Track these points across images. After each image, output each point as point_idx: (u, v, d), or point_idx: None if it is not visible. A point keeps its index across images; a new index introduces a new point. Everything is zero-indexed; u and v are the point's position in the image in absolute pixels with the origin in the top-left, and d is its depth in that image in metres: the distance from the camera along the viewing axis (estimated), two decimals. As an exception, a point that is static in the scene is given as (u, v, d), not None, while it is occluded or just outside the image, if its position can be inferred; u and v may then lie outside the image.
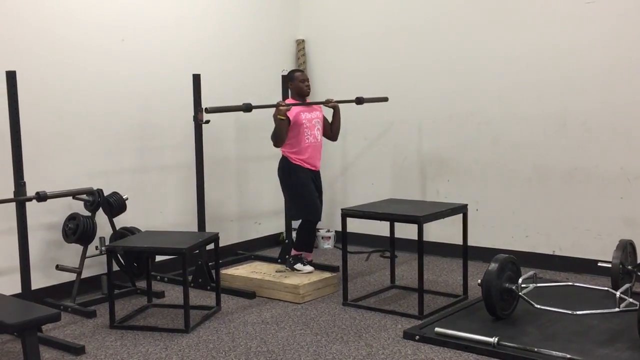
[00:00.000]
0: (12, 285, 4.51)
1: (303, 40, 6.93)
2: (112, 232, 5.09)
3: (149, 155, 5.63)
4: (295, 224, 5.67)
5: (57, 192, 4.68)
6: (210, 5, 6.11)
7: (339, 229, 5.05)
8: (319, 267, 5.53)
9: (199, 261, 5.30)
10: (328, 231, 6.75)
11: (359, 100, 5.58)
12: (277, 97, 5.68)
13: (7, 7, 4.72)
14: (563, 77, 5.49)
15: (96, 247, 5.00)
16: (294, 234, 5.71)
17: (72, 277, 4.92)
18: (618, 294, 4.09)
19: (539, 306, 4.15)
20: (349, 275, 5.00)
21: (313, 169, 5.31)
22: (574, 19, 5.41)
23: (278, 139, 5.14)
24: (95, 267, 5.17)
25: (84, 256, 4.90)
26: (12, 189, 4.28)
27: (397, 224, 5.23)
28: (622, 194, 5.30)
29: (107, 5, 5.29)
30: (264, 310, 4.79)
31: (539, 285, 4.44)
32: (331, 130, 5.48)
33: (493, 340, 3.81)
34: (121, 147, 5.43)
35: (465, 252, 4.98)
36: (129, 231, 5.03)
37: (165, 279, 5.50)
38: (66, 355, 4.00)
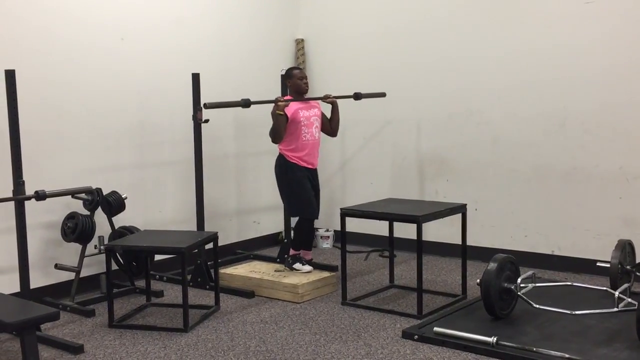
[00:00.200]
0: (11, 284, 4.51)
1: (302, 40, 6.93)
2: (111, 231, 5.09)
3: (148, 154, 5.63)
4: (294, 222, 5.66)
5: (56, 191, 4.68)
6: (209, 4, 6.11)
7: (338, 228, 5.05)
8: (317, 266, 5.53)
9: (198, 260, 5.30)
10: (327, 230, 6.75)
11: (357, 96, 5.57)
12: (276, 96, 5.67)
13: (6, 6, 4.71)
14: (562, 77, 5.49)
15: (95, 246, 5.00)
16: (292, 234, 5.71)
17: (71, 276, 4.92)
18: (617, 293, 4.09)
19: (537, 306, 4.16)
20: (347, 274, 5.00)
21: (310, 167, 5.30)
22: (574, 19, 5.41)
23: (276, 135, 5.14)
24: (94, 266, 5.17)
25: (82, 255, 4.90)
26: (11, 187, 4.28)
27: (396, 224, 5.24)
28: (621, 194, 5.30)
29: (106, 5, 5.29)
30: (263, 309, 4.79)
31: (537, 285, 4.44)
32: (330, 126, 5.47)
33: (492, 339, 3.81)
34: (120, 146, 5.43)
35: (464, 252, 4.99)
36: (128, 230, 5.03)
37: (164, 278, 5.50)
38: (65, 354, 4.00)
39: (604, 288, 4.47)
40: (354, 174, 6.79)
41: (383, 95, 5.91)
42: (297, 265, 5.31)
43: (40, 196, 4.45)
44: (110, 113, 5.34)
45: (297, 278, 5.09)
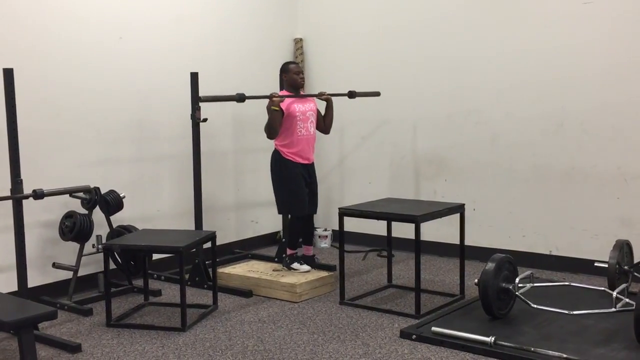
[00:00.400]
0: (8, 283, 4.51)
1: (301, 39, 6.92)
2: (109, 230, 5.08)
3: (146, 153, 5.62)
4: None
5: (54, 189, 4.67)
6: (208, 3, 6.11)
7: (336, 228, 5.05)
8: (315, 266, 5.53)
9: (196, 260, 5.30)
10: (325, 230, 6.74)
11: (351, 94, 5.56)
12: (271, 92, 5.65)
13: (4, 4, 4.70)
14: (561, 77, 5.49)
15: (93, 245, 4.99)
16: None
17: (68, 275, 4.91)
18: (614, 294, 4.09)
19: (535, 306, 4.16)
20: (345, 274, 5.01)
21: (306, 162, 5.28)
22: (572, 19, 5.41)
23: (271, 130, 5.13)
24: (92, 265, 5.16)
25: (80, 254, 4.89)
26: (9, 186, 4.28)
27: (394, 223, 5.24)
28: (619, 194, 5.30)
29: (104, 3, 5.28)
30: (261, 309, 4.79)
31: (535, 285, 4.44)
32: (324, 123, 5.46)
33: (490, 339, 3.81)
34: (118, 145, 5.42)
35: (462, 252, 4.99)
36: (126, 229, 5.03)
37: (162, 277, 5.50)
38: (62, 353, 4.00)
39: (602, 288, 4.47)
40: (353, 174, 6.79)
41: (377, 94, 5.91)
42: (295, 265, 5.30)
43: (38, 195, 4.44)
44: (108, 112, 5.33)
45: (295, 277, 5.09)
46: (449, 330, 4.02)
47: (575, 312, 4.13)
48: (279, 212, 5.44)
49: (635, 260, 4.86)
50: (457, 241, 5.02)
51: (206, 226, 5.51)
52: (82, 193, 4.95)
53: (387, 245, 5.37)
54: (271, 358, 3.87)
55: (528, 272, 4.48)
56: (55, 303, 4.71)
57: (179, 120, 5.67)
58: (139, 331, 4.33)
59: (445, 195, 6.07)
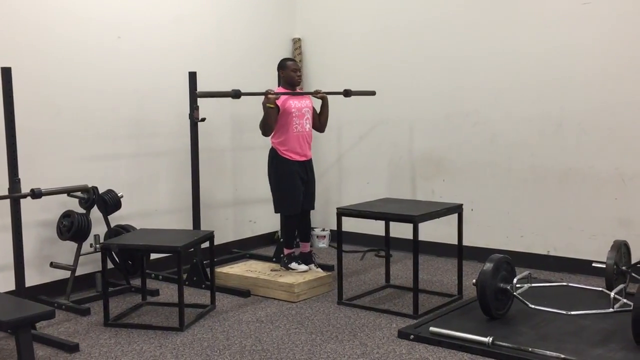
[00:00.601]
0: (6, 283, 4.50)
1: (299, 39, 6.92)
2: (106, 229, 5.08)
3: (144, 152, 5.62)
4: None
5: (52, 189, 4.66)
6: (207, 3, 6.10)
7: (334, 227, 5.05)
8: (313, 262, 5.52)
9: (194, 259, 5.29)
10: (323, 230, 6.75)
11: (347, 93, 5.55)
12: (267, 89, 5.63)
13: (2, 3, 4.70)
14: (559, 78, 5.50)
15: (91, 245, 4.99)
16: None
17: (66, 274, 4.91)
18: (612, 294, 4.10)
19: (533, 306, 4.16)
20: (343, 274, 5.00)
21: (303, 159, 5.26)
22: (570, 20, 5.42)
23: (266, 126, 5.12)
24: (90, 264, 5.16)
25: (78, 254, 4.89)
26: (7, 185, 4.27)
27: (392, 223, 5.24)
28: (616, 195, 5.31)
29: (103, 3, 5.27)
30: (259, 308, 4.79)
31: (533, 285, 4.44)
32: (320, 121, 5.44)
33: (487, 339, 3.82)
34: (116, 144, 5.42)
35: (460, 252, 4.99)
36: (124, 229, 5.02)
37: (160, 277, 5.49)
38: (60, 352, 3.99)
39: (600, 289, 4.48)
40: (351, 174, 6.79)
41: (373, 93, 5.90)
42: (293, 265, 5.30)
43: (36, 194, 4.43)
44: (107, 111, 5.32)
45: (293, 277, 5.09)
46: (446, 331, 4.02)
47: (573, 313, 4.14)
48: (275, 211, 5.44)
49: (633, 261, 4.86)
50: (455, 241, 5.02)
51: (204, 226, 5.51)
52: (80, 192, 4.95)
53: (385, 245, 5.37)
54: (269, 358, 3.87)
55: (526, 273, 4.48)
56: (53, 302, 4.70)
57: (177, 120, 5.66)
58: (137, 331, 4.33)
59: (444, 196, 6.07)
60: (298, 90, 5.41)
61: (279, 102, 5.09)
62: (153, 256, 5.26)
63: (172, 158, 5.80)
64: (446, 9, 6.05)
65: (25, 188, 4.34)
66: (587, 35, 5.35)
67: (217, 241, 5.23)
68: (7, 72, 4.17)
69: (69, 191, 4.89)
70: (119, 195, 5.11)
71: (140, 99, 5.56)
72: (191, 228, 5.45)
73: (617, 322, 4.07)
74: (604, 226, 5.36)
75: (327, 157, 6.82)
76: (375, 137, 6.57)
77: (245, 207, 6.55)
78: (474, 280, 4.23)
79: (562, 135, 5.52)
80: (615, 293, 4.11)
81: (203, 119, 5.27)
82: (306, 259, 5.38)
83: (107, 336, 4.24)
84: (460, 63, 5.99)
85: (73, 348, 4.00)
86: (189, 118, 5.29)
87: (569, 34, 5.43)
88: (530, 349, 3.72)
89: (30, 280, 4.58)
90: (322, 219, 6.76)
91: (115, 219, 5.18)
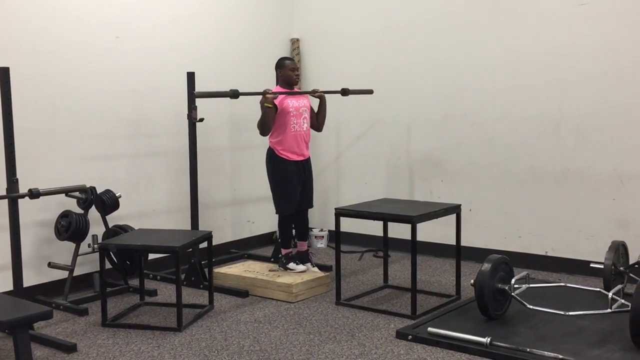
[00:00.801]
0: (3, 283, 4.50)
1: (298, 39, 6.92)
2: (104, 229, 5.07)
3: (142, 152, 5.61)
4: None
5: (50, 189, 4.66)
6: (205, 4, 6.10)
7: (332, 228, 5.05)
8: (309, 260, 5.52)
9: (192, 260, 5.29)
10: (321, 230, 6.75)
11: (344, 92, 5.55)
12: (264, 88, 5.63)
13: (0, 3, 4.69)
14: (557, 79, 5.50)
15: (89, 245, 4.99)
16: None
17: (64, 274, 4.90)
18: (610, 295, 4.10)
19: (531, 307, 4.17)
20: (342, 274, 5.00)
21: (300, 158, 5.26)
22: (568, 21, 5.42)
23: (264, 126, 5.12)
24: (88, 264, 5.15)
25: (76, 254, 4.88)
26: (5, 185, 4.27)
27: (390, 224, 5.24)
28: (614, 195, 5.31)
29: (101, 3, 5.27)
30: (257, 309, 4.79)
31: (531, 285, 4.45)
32: (317, 120, 5.44)
33: (485, 340, 3.82)
34: (115, 144, 5.41)
35: (458, 252, 4.99)
36: (122, 229, 5.02)
37: (158, 277, 5.49)
38: (58, 353, 3.99)
39: (598, 289, 4.49)
40: (349, 174, 6.79)
41: (370, 92, 5.90)
42: (291, 265, 5.30)
43: (33, 194, 4.43)
44: (105, 111, 5.32)
45: (291, 278, 5.09)
46: (444, 331, 4.03)
47: (570, 313, 4.14)
48: (276, 212, 5.44)
49: (631, 262, 4.87)
50: (453, 242, 5.02)
51: (202, 226, 5.51)
52: (78, 192, 4.94)
53: (383, 245, 5.38)
54: (267, 358, 3.87)
55: (524, 273, 4.49)
56: (51, 303, 4.70)
57: (176, 120, 5.66)
58: (135, 331, 4.33)
59: (442, 196, 6.07)
60: (296, 90, 5.41)
61: (276, 102, 5.09)
62: (151, 256, 5.26)
63: (170, 158, 5.80)
64: (444, 10, 6.06)
65: (23, 188, 4.34)
66: (585, 36, 5.35)
67: (215, 241, 5.24)
68: (5, 72, 4.16)
69: (67, 191, 4.88)
70: (117, 195, 5.11)
71: (139, 99, 5.55)
72: (189, 228, 5.45)
73: (615, 323, 4.07)
74: (602, 227, 5.37)
75: (325, 157, 6.82)
76: (373, 137, 6.57)
77: (244, 207, 6.55)
78: (472, 281, 4.23)
79: (561, 136, 5.52)
80: (613, 294, 4.12)
81: (201, 119, 5.27)
82: (303, 257, 5.38)
83: (105, 336, 4.24)
84: (459, 63, 5.99)
85: (71, 348, 4.00)
86: (187, 118, 5.29)
87: (568, 34, 5.43)
88: (528, 350, 3.72)
89: (28, 280, 4.57)
90: (320, 219, 6.76)
91: (113, 219, 5.18)
